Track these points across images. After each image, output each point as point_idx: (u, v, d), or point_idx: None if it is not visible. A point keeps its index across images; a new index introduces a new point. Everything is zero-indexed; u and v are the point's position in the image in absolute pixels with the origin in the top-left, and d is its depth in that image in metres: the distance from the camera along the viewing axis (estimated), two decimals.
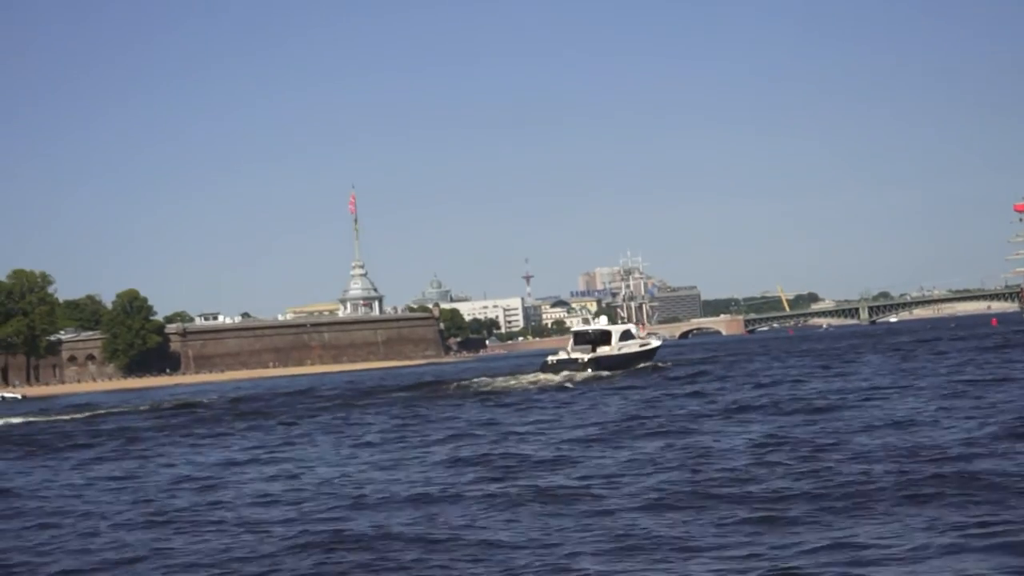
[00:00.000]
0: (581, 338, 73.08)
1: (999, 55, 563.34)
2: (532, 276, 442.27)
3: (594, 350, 70.70)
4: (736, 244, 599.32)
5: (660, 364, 73.86)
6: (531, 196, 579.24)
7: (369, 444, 31.35)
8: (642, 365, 71.77)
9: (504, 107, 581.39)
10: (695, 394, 43.92)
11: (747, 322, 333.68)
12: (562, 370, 66.53)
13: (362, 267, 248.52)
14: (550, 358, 70.78)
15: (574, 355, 70.11)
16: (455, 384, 63.82)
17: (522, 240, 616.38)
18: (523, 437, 30.08)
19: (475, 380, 65.57)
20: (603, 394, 47.68)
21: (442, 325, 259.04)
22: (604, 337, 72.20)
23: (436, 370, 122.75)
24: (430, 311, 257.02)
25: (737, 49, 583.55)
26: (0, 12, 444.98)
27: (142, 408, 61.56)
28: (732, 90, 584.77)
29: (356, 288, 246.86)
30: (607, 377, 62.30)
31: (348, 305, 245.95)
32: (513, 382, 62.62)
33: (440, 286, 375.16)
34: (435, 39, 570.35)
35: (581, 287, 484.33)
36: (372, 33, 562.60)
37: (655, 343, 76.54)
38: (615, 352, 70.75)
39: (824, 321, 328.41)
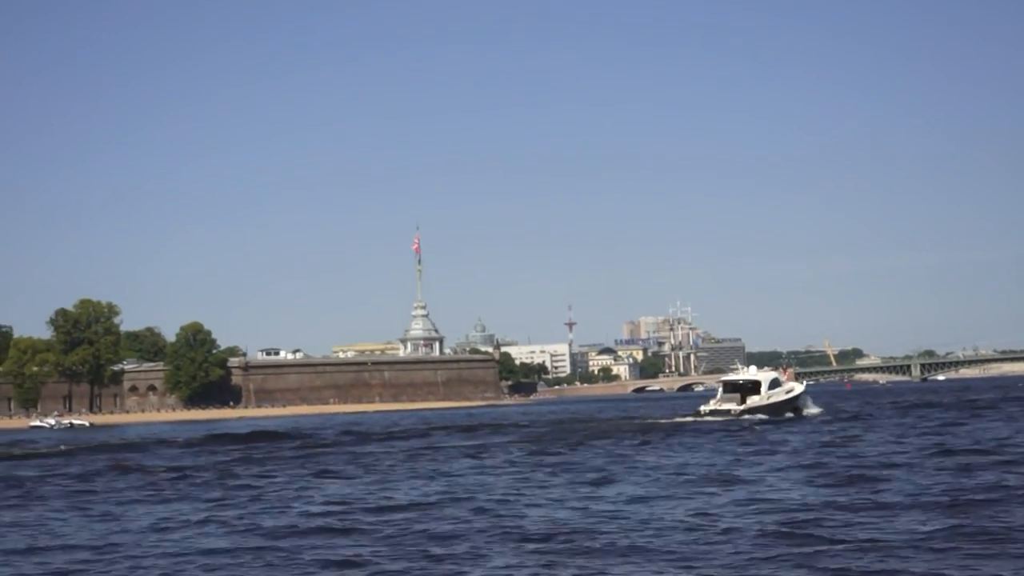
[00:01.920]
0: (731, 387, 70.61)
1: None
2: (575, 323, 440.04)
3: (743, 399, 68.35)
4: (780, 300, 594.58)
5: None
6: (576, 244, 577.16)
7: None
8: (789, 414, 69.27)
9: (555, 156, 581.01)
10: None
11: (796, 375, 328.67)
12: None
13: (424, 307, 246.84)
14: (702, 407, 68.60)
15: (725, 406, 67.78)
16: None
17: (566, 287, 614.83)
18: None
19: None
20: None
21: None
22: (754, 386, 69.67)
23: (541, 410, 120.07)
24: (488, 354, 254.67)
25: (788, 113, 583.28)
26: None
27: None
28: (782, 152, 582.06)
29: (417, 328, 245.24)
30: None
31: (408, 345, 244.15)
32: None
33: (484, 329, 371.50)
34: (499, 88, 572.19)
35: (625, 335, 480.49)
36: (441, 80, 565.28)
37: (799, 388, 73.67)
38: (765, 402, 68.19)
39: (878, 377, 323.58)
